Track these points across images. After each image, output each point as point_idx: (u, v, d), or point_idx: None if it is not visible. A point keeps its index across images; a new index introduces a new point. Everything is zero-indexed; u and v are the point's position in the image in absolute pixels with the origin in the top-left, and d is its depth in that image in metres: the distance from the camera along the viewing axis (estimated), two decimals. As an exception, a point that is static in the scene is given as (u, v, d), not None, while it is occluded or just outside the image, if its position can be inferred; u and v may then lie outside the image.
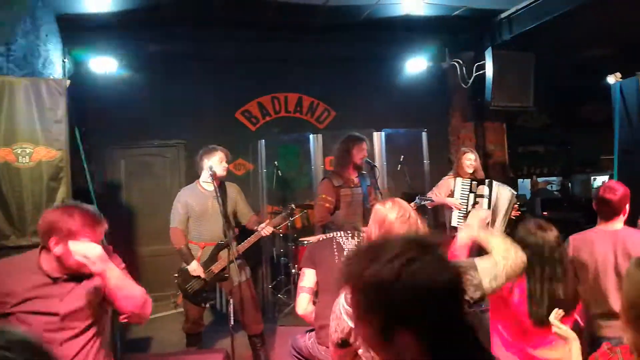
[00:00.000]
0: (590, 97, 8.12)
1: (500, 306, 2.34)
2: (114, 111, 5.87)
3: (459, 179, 4.89)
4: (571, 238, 2.90)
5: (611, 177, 6.24)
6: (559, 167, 9.08)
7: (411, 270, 0.83)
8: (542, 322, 2.17)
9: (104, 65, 5.51)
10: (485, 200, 4.82)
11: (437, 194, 4.93)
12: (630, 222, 3.24)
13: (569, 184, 8.69)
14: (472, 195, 4.84)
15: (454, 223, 4.86)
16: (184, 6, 5.19)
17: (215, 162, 3.90)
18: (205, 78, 6.19)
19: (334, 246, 2.68)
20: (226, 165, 3.96)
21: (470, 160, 4.91)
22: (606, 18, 5.28)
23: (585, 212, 5.49)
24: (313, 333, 2.72)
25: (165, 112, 6.05)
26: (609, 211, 2.82)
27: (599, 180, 7.83)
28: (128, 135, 6.04)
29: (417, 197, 4.54)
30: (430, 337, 0.82)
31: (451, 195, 4.90)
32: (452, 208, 4.88)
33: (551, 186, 8.58)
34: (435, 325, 0.83)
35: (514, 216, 4.84)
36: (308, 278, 2.68)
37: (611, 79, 4.89)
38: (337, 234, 2.76)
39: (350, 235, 2.72)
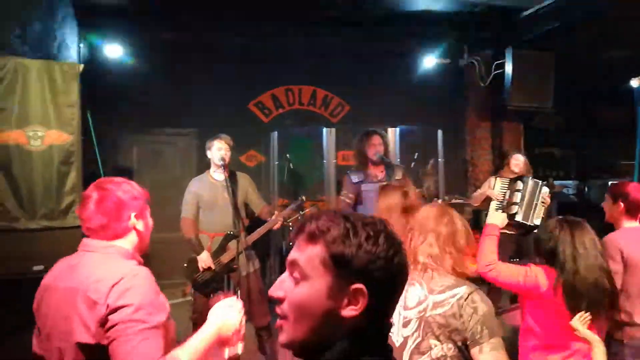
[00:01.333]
0: (610, 100, 7.96)
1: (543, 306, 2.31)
2: (127, 98, 5.85)
3: (499, 179, 4.91)
4: (613, 237, 2.81)
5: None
6: (574, 171, 8.92)
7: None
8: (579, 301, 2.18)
9: (119, 51, 5.49)
10: (518, 195, 4.79)
11: (481, 189, 5.02)
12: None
13: (585, 189, 8.54)
14: (508, 192, 4.84)
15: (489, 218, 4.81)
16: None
17: (213, 151, 3.86)
18: (219, 68, 6.13)
19: None
20: (224, 153, 3.83)
21: (517, 160, 4.97)
22: (629, 19, 5.15)
23: (602, 218, 5.38)
24: None
25: (178, 101, 6.01)
26: (639, 210, 2.84)
27: (616, 185, 7.68)
28: (140, 123, 6.03)
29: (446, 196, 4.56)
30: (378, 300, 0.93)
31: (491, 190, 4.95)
32: (489, 204, 4.87)
33: (567, 190, 8.43)
34: (384, 293, 0.95)
35: (544, 205, 4.79)
36: None
37: (635, 82, 4.80)
38: None
39: None
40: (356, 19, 5.83)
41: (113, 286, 1.53)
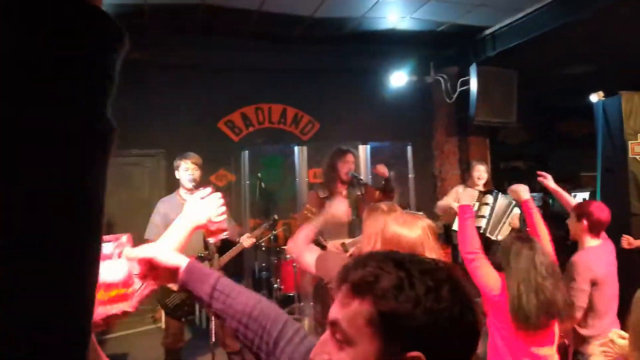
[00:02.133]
0: (571, 113, 8.26)
1: (494, 309, 2.36)
2: (92, 119, 5.73)
3: (468, 189, 4.98)
4: (582, 257, 2.92)
5: (592, 194, 6.32)
6: (539, 183, 9.15)
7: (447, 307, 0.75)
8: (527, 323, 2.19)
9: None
10: (487, 208, 4.86)
11: (445, 199, 5.06)
12: (615, 240, 3.30)
13: (550, 200, 8.78)
14: (477, 204, 4.88)
15: (454, 227, 4.86)
16: (167, 14, 5.11)
17: (181, 172, 3.80)
18: (188, 87, 6.08)
19: None
20: (191, 173, 3.78)
21: (479, 171, 5.05)
22: (588, 36, 5.37)
23: (567, 230, 5.52)
24: None
25: (146, 121, 5.90)
26: (601, 228, 2.98)
27: (580, 196, 7.93)
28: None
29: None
30: None
31: (457, 202, 4.93)
32: (453, 216, 4.87)
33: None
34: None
35: (511, 225, 4.86)
36: None
37: (594, 98, 4.97)
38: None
39: None
40: (324, 37, 5.90)
41: None
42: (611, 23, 4.96)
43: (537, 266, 2.24)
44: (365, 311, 0.75)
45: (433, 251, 1.79)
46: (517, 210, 4.89)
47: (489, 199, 4.94)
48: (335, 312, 0.79)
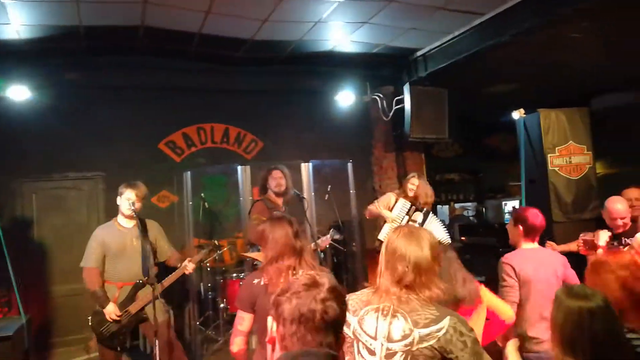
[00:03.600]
0: (498, 129, 8.82)
1: None
2: (26, 142, 5.52)
3: (401, 199, 4.96)
4: (506, 257, 3.09)
5: (520, 204, 6.76)
6: (472, 193, 9.69)
7: None
8: None
9: (18, 93, 5.15)
10: (416, 226, 4.95)
11: (377, 207, 5.02)
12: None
13: (483, 209, 9.29)
14: (406, 218, 4.94)
15: (381, 236, 4.94)
16: (104, 34, 5.05)
17: (122, 200, 3.79)
18: (127, 107, 5.99)
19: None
20: (132, 204, 3.76)
21: (412, 185, 5.00)
22: (510, 57, 5.80)
23: (499, 237, 5.89)
24: None
25: (82, 143, 5.76)
26: (536, 233, 3.14)
27: (509, 205, 8.45)
28: (40, 168, 5.67)
29: (331, 229, 4.68)
30: None
31: (389, 210, 4.97)
32: (385, 222, 4.94)
33: (467, 212, 9.13)
34: None
35: None
36: (245, 323, 2.49)
37: (516, 115, 5.38)
38: (280, 281, 2.40)
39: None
40: (266, 59, 6.03)
41: None
42: (528, 47, 5.40)
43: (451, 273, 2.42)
44: None
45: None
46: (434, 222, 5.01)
47: (419, 217, 4.93)
48: None
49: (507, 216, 8.95)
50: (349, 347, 1.86)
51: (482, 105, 8.10)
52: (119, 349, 3.81)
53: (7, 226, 5.09)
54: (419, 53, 6.18)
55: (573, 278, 3.14)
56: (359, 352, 1.84)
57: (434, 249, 1.86)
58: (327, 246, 4.72)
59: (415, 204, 5.00)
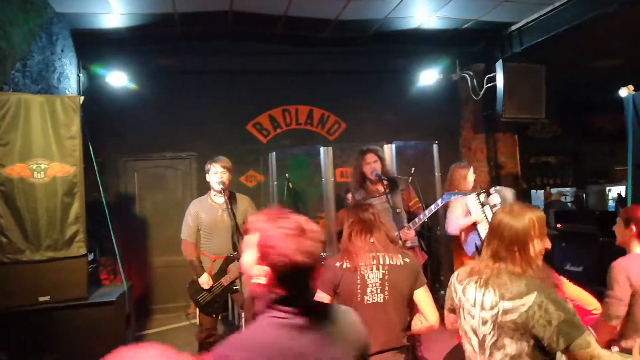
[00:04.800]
0: (602, 107, 8.07)
1: None
2: (127, 124, 5.98)
3: (468, 197, 4.59)
4: (621, 262, 2.68)
5: (626, 190, 6.17)
6: (571, 177, 9.00)
7: None
8: None
9: (118, 79, 5.61)
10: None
11: (455, 218, 4.62)
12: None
13: (583, 195, 8.60)
14: (487, 207, 4.68)
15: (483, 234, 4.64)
16: (196, 20, 5.27)
17: (211, 175, 3.93)
18: (217, 91, 6.27)
19: (358, 280, 2.48)
20: (220, 177, 3.89)
21: (472, 177, 4.82)
22: (616, 30, 5.26)
23: (601, 225, 5.38)
24: None
25: (177, 125, 6.13)
26: None
27: (614, 191, 7.75)
28: (140, 148, 6.13)
29: (422, 214, 4.36)
30: None
31: (469, 214, 4.59)
32: (476, 227, 4.55)
33: (565, 197, 8.50)
34: None
35: None
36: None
37: (623, 92, 4.85)
38: (361, 264, 2.51)
39: (374, 265, 2.52)
40: (350, 39, 5.97)
41: None
42: (637, 17, 4.85)
43: None
44: None
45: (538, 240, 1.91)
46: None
47: (496, 198, 4.55)
48: None
49: (610, 203, 8.20)
50: (458, 310, 2.06)
51: (584, 82, 7.45)
52: (214, 315, 4.04)
53: (112, 202, 5.58)
54: (513, 27, 5.80)
55: None
56: (463, 316, 2.02)
57: (534, 226, 1.90)
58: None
59: (480, 192, 4.69)
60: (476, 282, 1.97)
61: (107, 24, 5.17)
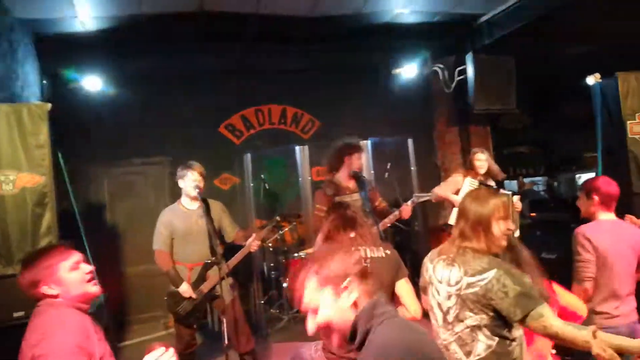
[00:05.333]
0: (571, 96, 8.24)
1: None
2: (96, 130, 5.80)
3: (468, 179, 4.76)
4: (584, 229, 2.88)
5: (596, 176, 6.33)
6: (543, 166, 9.18)
7: None
8: None
9: (85, 84, 5.45)
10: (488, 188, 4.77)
11: (444, 191, 4.82)
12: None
13: (555, 184, 8.78)
14: None
15: (451, 221, 4.76)
16: (165, 22, 5.15)
17: (186, 181, 3.85)
18: (188, 93, 6.14)
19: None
20: (197, 184, 3.83)
21: (480, 160, 4.81)
22: (583, 19, 5.36)
23: (573, 213, 5.49)
24: (319, 343, 2.67)
25: (147, 130, 5.98)
26: (612, 201, 2.96)
27: (584, 178, 7.94)
28: (111, 154, 5.96)
29: (414, 195, 4.45)
30: None
31: (457, 193, 4.75)
32: (453, 206, 4.70)
33: (537, 186, 8.66)
34: None
35: (517, 211, 4.75)
36: None
37: (591, 80, 4.96)
38: (362, 247, 2.58)
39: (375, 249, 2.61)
40: (321, 36, 5.92)
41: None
42: (604, 4, 4.96)
43: None
44: None
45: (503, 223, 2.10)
46: (515, 197, 4.81)
47: None
48: None
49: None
50: (427, 288, 2.26)
51: (553, 72, 7.59)
52: (194, 326, 3.96)
53: (83, 210, 5.40)
54: (482, 19, 5.84)
55: None
56: (432, 293, 2.21)
57: (498, 209, 2.09)
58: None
59: (484, 182, 4.81)
60: (444, 261, 2.16)
61: (72, 29, 5.00)
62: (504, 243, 2.11)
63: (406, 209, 4.11)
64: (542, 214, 6.78)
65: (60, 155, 4.05)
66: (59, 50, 5.32)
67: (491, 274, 1.98)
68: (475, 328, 2.02)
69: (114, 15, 4.86)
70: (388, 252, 2.62)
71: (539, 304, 1.91)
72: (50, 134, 3.54)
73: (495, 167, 4.95)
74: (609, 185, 2.95)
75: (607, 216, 2.93)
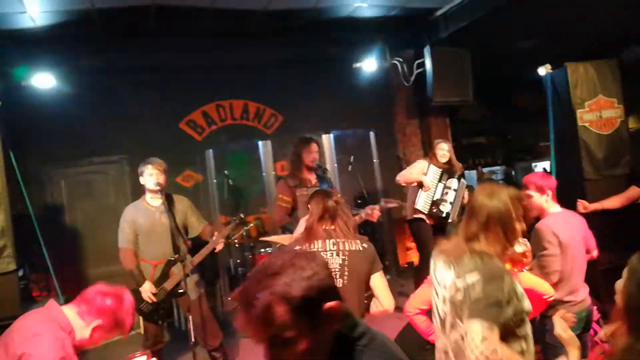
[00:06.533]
0: (524, 87, 8.50)
1: None
2: (50, 129, 5.60)
3: (432, 166, 4.98)
4: (547, 223, 2.94)
5: (550, 164, 6.56)
6: (501, 156, 9.46)
7: None
8: None
9: (38, 81, 5.22)
10: (452, 193, 4.97)
11: (411, 173, 5.01)
12: (571, 206, 3.45)
13: (512, 172, 9.06)
14: (440, 185, 4.96)
15: (418, 205, 4.95)
16: (118, 17, 5.03)
17: (146, 177, 3.79)
18: (146, 89, 6.00)
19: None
20: (156, 178, 3.75)
21: (443, 150, 5.02)
22: (534, 11, 5.53)
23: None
24: None
25: (105, 127, 5.81)
26: (554, 193, 3.05)
27: (540, 166, 8.22)
28: (67, 154, 5.77)
29: (381, 200, 4.61)
30: None
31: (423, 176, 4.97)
32: (420, 189, 4.93)
33: (496, 175, 8.92)
34: None
35: (464, 203, 4.99)
36: None
37: (542, 71, 5.15)
38: (320, 248, 2.59)
39: (334, 251, 2.59)
40: (280, 29, 5.90)
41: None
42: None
43: None
44: None
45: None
46: (464, 185, 5.05)
47: (453, 183, 5.02)
48: None
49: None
50: (430, 286, 2.08)
51: (508, 63, 7.80)
52: (160, 322, 3.90)
53: (40, 213, 5.22)
54: (438, 13, 5.95)
55: (591, 239, 3.10)
56: (433, 293, 2.02)
57: (516, 205, 1.89)
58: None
59: (448, 171, 5.00)
60: (444, 261, 1.96)
61: (22, 24, 4.82)
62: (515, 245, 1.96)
63: (374, 214, 4.11)
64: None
65: (12, 155, 3.90)
66: (10, 46, 5.11)
67: (472, 277, 1.78)
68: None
69: (65, 10, 4.71)
70: (365, 245, 2.66)
71: (485, 321, 1.67)
72: (1, 133, 3.41)
73: (455, 160, 5.14)
74: (547, 178, 3.06)
75: (557, 208, 3.03)
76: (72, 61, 5.52)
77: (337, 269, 2.54)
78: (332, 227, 2.65)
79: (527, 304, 1.86)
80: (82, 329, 2.08)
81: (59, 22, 4.92)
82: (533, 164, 8.62)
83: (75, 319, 2.07)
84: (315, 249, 2.60)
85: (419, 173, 4.97)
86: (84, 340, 2.08)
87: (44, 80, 5.23)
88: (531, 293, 2.45)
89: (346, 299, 2.46)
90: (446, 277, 1.90)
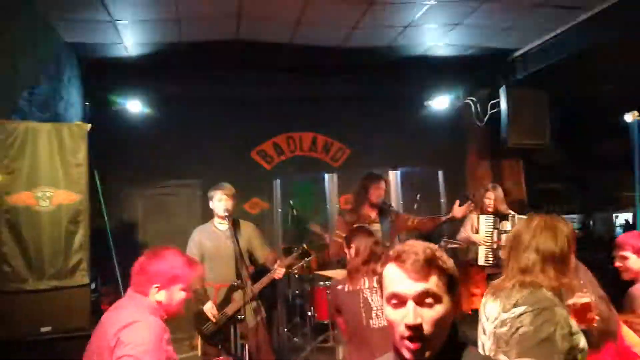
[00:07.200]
0: (607, 133, 8.06)
1: None
2: (131, 152, 5.98)
3: (482, 216, 4.92)
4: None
5: (635, 216, 6.12)
6: (578, 204, 8.93)
7: None
8: None
9: (125, 106, 5.65)
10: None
11: (463, 231, 5.00)
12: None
13: (590, 222, 8.52)
14: (496, 232, 4.82)
15: (480, 262, 4.84)
16: (201, 49, 5.33)
17: (215, 202, 3.90)
18: (221, 118, 6.29)
19: (361, 302, 2.59)
20: (225, 204, 3.88)
21: (489, 199, 4.96)
22: (618, 55, 5.29)
23: (610, 252, 5.32)
24: None
25: (181, 152, 6.13)
26: None
27: (622, 217, 7.68)
28: (144, 175, 6.11)
29: (442, 240, 4.53)
30: None
31: (476, 232, 4.94)
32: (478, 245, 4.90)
33: (572, 224, 8.42)
34: None
35: None
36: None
37: (629, 117, 4.85)
38: (364, 286, 2.65)
39: (375, 290, 2.61)
40: (354, 66, 6.01)
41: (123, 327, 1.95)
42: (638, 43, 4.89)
43: None
44: (443, 277, 1.17)
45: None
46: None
47: (507, 225, 4.87)
48: (420, 285, 1.16)
49: (618, 230, 8.12)
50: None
51: (589, 108, 7.46)
52: (220, 346, 3.95)
53: (115, 230, 5.52)
54: (517, 53, 5.84)
55: None
56: (479, 331, 1.93)
57: (572, 238, 1.85)
58: None
59: (498, 214, 4.82)
60: (491, 294, 1.87)
61: (115, 53, 5.24)
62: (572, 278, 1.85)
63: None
64: (578, 252, 6.56)
65: (97, 174, 4.17)
66: (102, 73, 5.56)
67: (520, 309, 1.66)
68: None
69: (155, 42, 5.07)
70: None
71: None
72: (89, 153, 3.66)
73: (504, 206, 5.00)
74: None
75: None
76: (157, 89, 5.90)
77: (380, 307, 2.50)
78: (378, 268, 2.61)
79: (582, 341, 1.69)
80: (156, 301, 2.13)
81: (148, 53, 5.31)
82: (614, 215, 8.07)
83: (146, 298, 2.12)
84: (359, 288, 2.62)
85: (468, 229, 4.95)
86: (167, 307, 2.15)
87: (131, 106, 5.66)
88: (627, 351, 2.26)
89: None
90: (492, 311, 1.80)
